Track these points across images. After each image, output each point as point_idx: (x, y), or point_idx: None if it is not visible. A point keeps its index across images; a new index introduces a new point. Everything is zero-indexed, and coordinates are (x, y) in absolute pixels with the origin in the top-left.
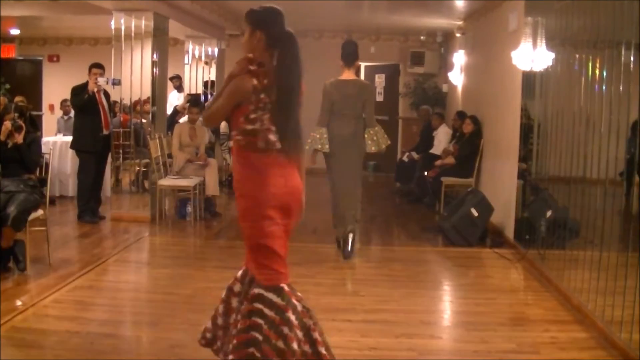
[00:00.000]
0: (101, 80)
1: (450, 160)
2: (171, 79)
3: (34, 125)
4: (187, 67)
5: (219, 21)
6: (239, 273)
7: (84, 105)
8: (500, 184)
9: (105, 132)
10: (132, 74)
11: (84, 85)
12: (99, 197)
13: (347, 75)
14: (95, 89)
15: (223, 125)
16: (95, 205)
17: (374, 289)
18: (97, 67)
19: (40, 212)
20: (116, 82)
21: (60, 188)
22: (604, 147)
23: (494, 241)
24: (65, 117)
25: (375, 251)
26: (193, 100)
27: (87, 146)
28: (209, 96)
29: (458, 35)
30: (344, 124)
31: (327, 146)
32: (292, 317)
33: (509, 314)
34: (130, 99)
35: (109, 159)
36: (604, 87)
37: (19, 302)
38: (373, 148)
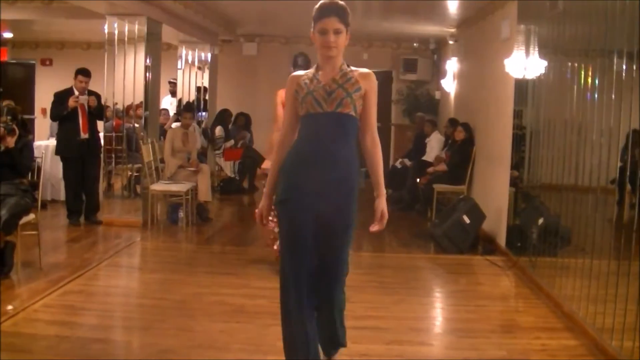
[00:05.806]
0: (82, 99)
1: (442, 167)
2: (170, 82)
3: (26, 128)
4: (180, 72)
5: (211, 26)
6: None
7: (61, 118)
8: (492, 191)
9: (83, 136)
10: (125, 79)
11: (67, 91)
12: (91, 201)
13: None
14: (76, 105)
15: (218, 129)
16: (86, 209)
17: (364, 296)
18: (83, 75)
19: (31, 216)
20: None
21: (52, 192)
22: (596, 154)
23: (485, 248)
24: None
25: (366, 257)
26: (186, 106)
27: (63, 151)
28: (202, 102)
29: (451, 42)
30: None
31: None
32: None
33: (499, 321)
34: (123, 103)
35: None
36: (595, 95)
37: (9, 307)
38: None
